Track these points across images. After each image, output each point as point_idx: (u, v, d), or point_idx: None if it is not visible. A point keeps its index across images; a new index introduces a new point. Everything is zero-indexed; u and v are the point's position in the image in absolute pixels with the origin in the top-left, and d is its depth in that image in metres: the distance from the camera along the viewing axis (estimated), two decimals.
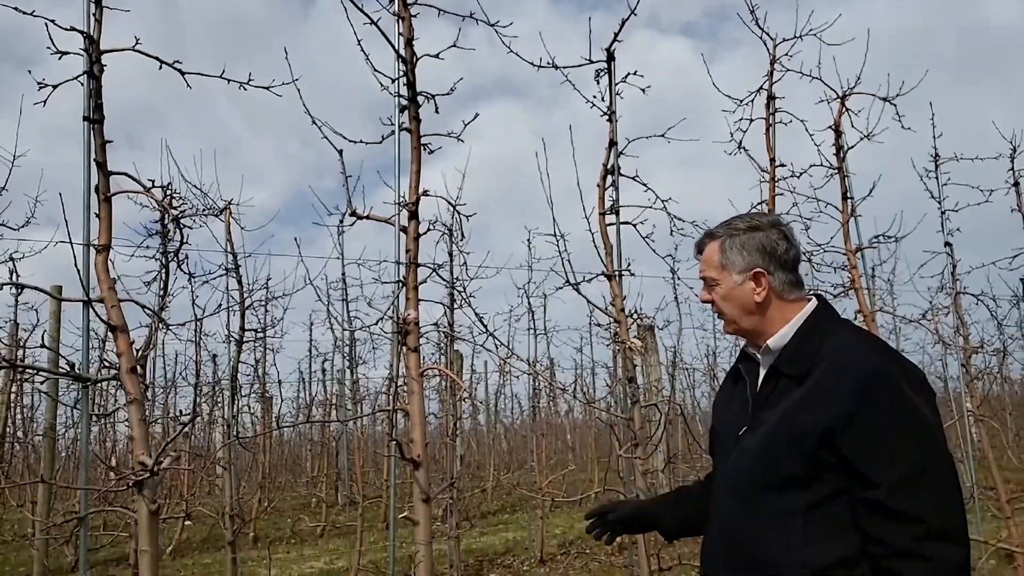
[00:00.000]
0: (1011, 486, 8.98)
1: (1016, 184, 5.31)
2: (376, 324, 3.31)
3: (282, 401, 13.89)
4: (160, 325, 3.94)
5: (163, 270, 4.61)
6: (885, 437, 1.55)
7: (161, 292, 4.46)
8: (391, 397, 2.95)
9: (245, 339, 6.71)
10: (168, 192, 2.56)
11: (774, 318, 1.80)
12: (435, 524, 9.56)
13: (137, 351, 2.66)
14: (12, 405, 12.73)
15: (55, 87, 2.79)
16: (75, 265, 2.45)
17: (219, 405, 11.52)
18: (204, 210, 4.77)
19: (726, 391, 1.99)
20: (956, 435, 9.95)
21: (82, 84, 2.69)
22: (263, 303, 8.52)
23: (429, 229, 3.11)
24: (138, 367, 2.61)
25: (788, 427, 1.64)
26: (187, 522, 10.93)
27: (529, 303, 9.34)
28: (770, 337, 1.78)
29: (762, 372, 1.81)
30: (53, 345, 8.93)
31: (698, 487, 2.09)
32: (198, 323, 11.55)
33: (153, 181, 2.66)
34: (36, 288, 2.47)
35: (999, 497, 5.14)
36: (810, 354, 1.69)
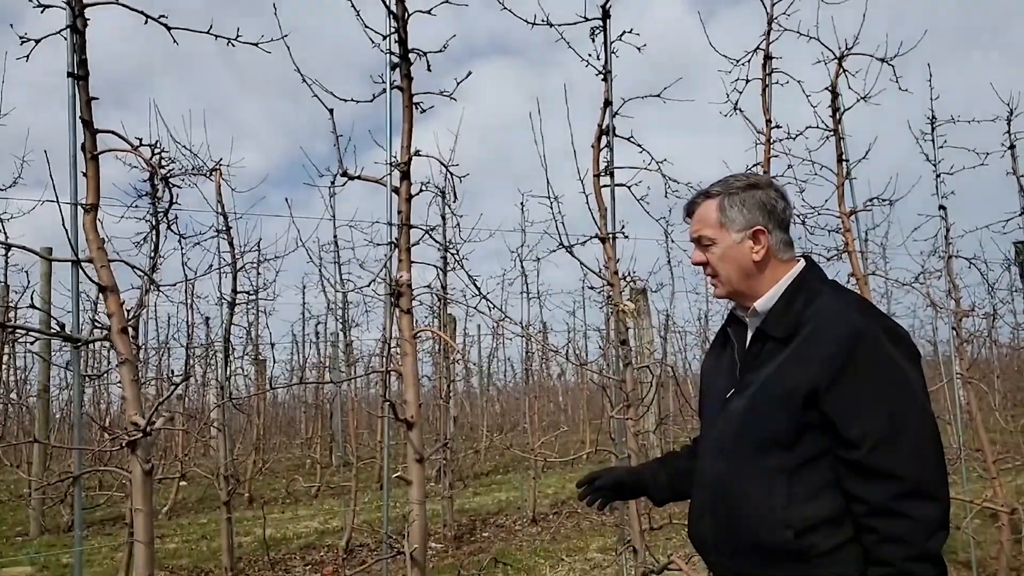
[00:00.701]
0: (997, 447, 9.10)
1: (1012, 147, 5.28)
2: (368, 286, 3.29)
3: (275, 363, 13.90)
4: (151, 286, 3.92)
5: (153, 231, 4.58)
6: (866, 398, 1.57)
7: (152, 253, 4.43)
8: (384, 359, 2.94)
9: (237, 301, 6.69)
10: (156, 150, 2.52)
11: (766, 279, 1.79)
12: (429, 484, 9.66)
13: (128, 312, 2.64)
14: (4, 368, 12.73)
15: (38, 42, 2.72)
16: (63, 225, 2.41)
17: (212, 368, 11.55)
18: (193, 170, 4.70)
19: (714, 354, 1.99)
20: (945, 398, 10.06)
21: (65, 39, 2.64)
22: (255, 265, 8.50)
23: (421, 190, 3.07)
24: (129, 328, 2.60)
25: (774, 388, 1.65)
26: (182, 483, 11.01)
27: (522, 266, 9.34)
28: (759, 299, 1.78)
29: (749, 335, 1.82)
30: (44, 307, 8.91)
31: (686, 451, 2.09)
32: (190, 285, 11.54)
33: (141, 139, 2.61)
34: (24, 248, 2.44)
35: (985, 458, 5.21)
36: (795, 316, 1.69)
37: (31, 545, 8.33)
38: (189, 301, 11.27)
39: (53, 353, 9.46)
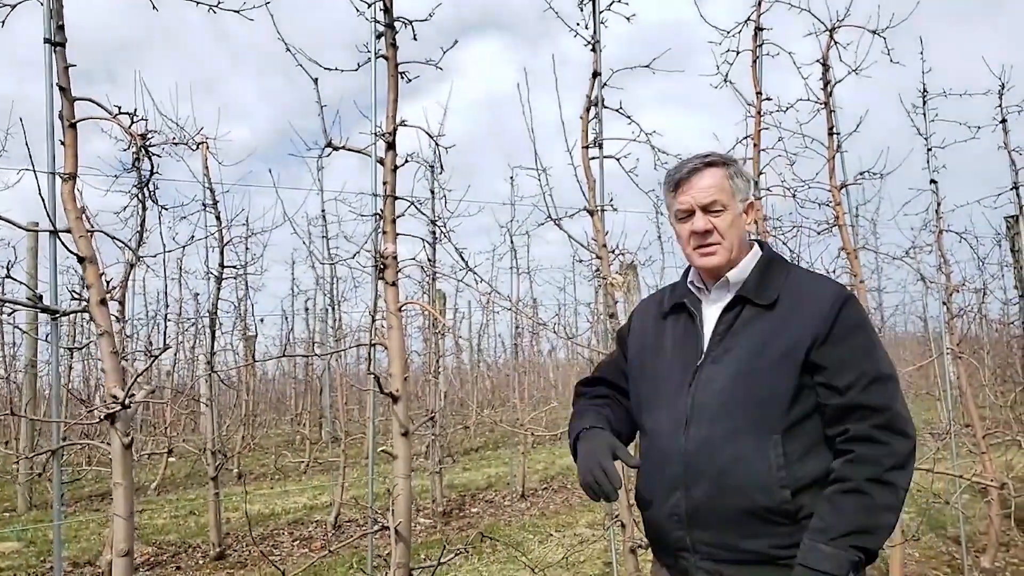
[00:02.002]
0: (987, 422, 9.17)
1: (1004, 120, 5.26)
2: (353, 258, 3.25)
3: (257, 337, 13.82)
4: (134, 258, 3.87)
5: (140, 205, 4.51)
6: (858, 349, 1.71)
7: (139, 227, 4.37)
8: (371, 332, 2.91)
9: (224, 276, 6.65)
10: (135, 119, 2.46)
11: (744, 250, 1.88)
12: (419, 460, 9.68)
13: (108, 282, 2.59)
14: None
15: (13, 7, 2.66)
16: (39, 194, 2.36)
17: (201, 343, 11.50)
18: (175, 140, 4.62)
19: (650, 329, 1.97)
20: (934, 373, 10.11)
21: (42, 4, 2.57)
22: (243, 239, 8.43)
23: (407, 161, 3.02)
24: (113, 300, 2.56)
25: (772, 349, 1.72)
26: (171, 459, 11.00)
27: (512, 241, 9.28)
28: (730, 271, 1.84)
29: (718, 304, 1.85)
30: (31, 282, 8.82)
31: (598, 400, 2.01)
32: (179, 260, 11.46)
33: (120, 107, 2.55)
34: (1, 218, 2.38)
35: (975, 433, 5.23)
36: (776, 285, 1.79)
37: (19, 521, 8.31)
38: (175, 275, 11.20)
39: (40, 327, 9.38)
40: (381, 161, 2.95)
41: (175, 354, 12.10)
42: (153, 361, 3.19)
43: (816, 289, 1.77)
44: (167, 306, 9.77)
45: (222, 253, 6.51)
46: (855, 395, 1.66)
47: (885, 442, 1.63)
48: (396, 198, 2.95)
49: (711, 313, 1.86)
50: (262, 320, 12.62)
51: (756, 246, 1.90)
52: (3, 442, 12.67)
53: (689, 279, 1.93)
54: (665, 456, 1.78)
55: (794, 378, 1.68)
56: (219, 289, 6.55)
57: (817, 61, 4.31)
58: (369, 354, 2.65)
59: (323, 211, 7.33)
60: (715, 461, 1.70)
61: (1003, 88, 5.20)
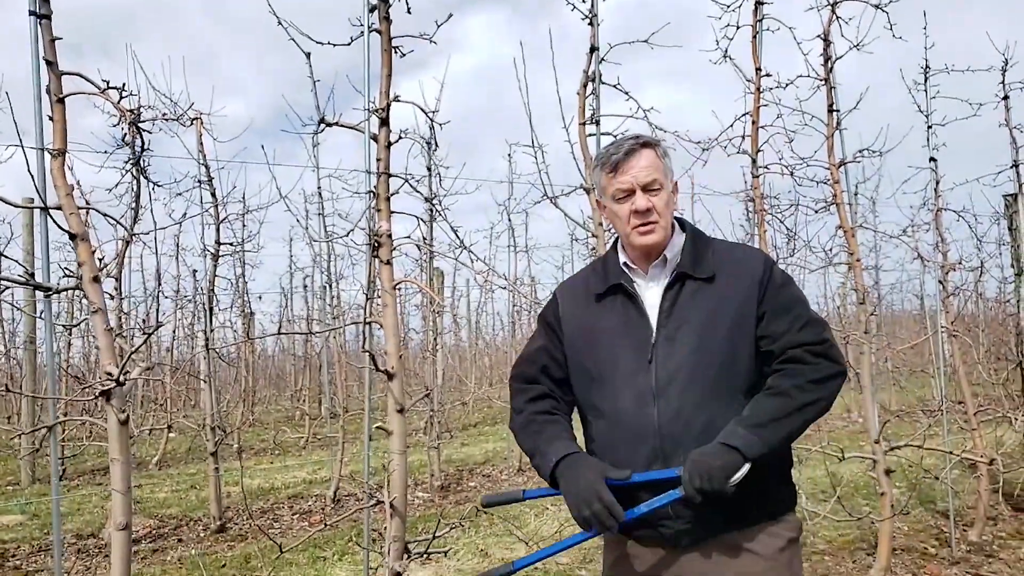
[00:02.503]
0: (979, 399, 9.21)
1: (1006, 98, 5.22)
2: (347, 235, 3.23)
3: (254, 315, 13.83)
4: (127, 235, 3.85)
5: (135, 181, 4.49)
6: (795, 297, 1.87)
7: (134, 204, 4.35)
8: (365, 310, 2.90)
9: (221, 253, 6.64)
10: (123, 93, 2.43)
11: (672, 228, 1.94)
12: (417, 436, 9.73)
13: (101, 260, 2.58)
14: None
15: None
16: (28, 171, 2.34)
17: (200, 319, 11.51)
18: (167, 116, 4.58)
19: (584, 312, 1.97)
20: (930, 351, 10.12)
21: None
22: (239, 216, 8.40)
23: (400, 137, 2.99)
24: (110, 278, 2.55)
25: (723, 317, 1.81)
26: (171, 434, 11.06)
27: (509, 219, 9.26)
28: (665, 249, 1.90)
29: (657, 282, 1.90)
30: (28, 259, 8.80)
31: (560, 411, 1.98)
32: (176, 238, 11.43)
33: (108, 82, 2.52)
34: None
35: (967, 410, 5.26)
36: (708, 259, 1.88)
37: (22, 494, 8.38)
38: (173, 252, 11.17)
39: (37, 304, 9.38)
40: (374, 138, 2.91)
41: (174, 331, 12.11)
42: (146, 339, 3.19)
43: (745, 257, 1.90)
44: (158, 284, 9.76)
45: (218, 230, 6.49)
46: (791, 336, 1.80)
47: (814, 363, 1.79)
48: (390, 175, 2.93)
49: (652, 291, 1.90)
50: (260, 297, 12.62)
51: (677, 223, 1.97)
52: (6, 417, 12.76)
53: (622, 261, 1.94)
54: (636, 433, 1.80)
55: (750, 343, 1.81)
56: (215, 266, 6.54)
57: (818, 36, 4.26)
58: (363, 332, 2.65)
59: (319, 188, 7.28)
60: (691, 429, 1.76)
61: (1006, 64, 5.16)
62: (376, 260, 2.95)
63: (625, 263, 1.94)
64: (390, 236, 2.93)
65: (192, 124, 6.32)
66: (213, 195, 6.45)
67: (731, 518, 1.78)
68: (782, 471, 1.90)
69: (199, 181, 6.41)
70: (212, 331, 6.56)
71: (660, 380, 1.79)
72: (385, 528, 2.69)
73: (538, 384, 2.00)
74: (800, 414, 1.76)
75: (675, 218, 1.96)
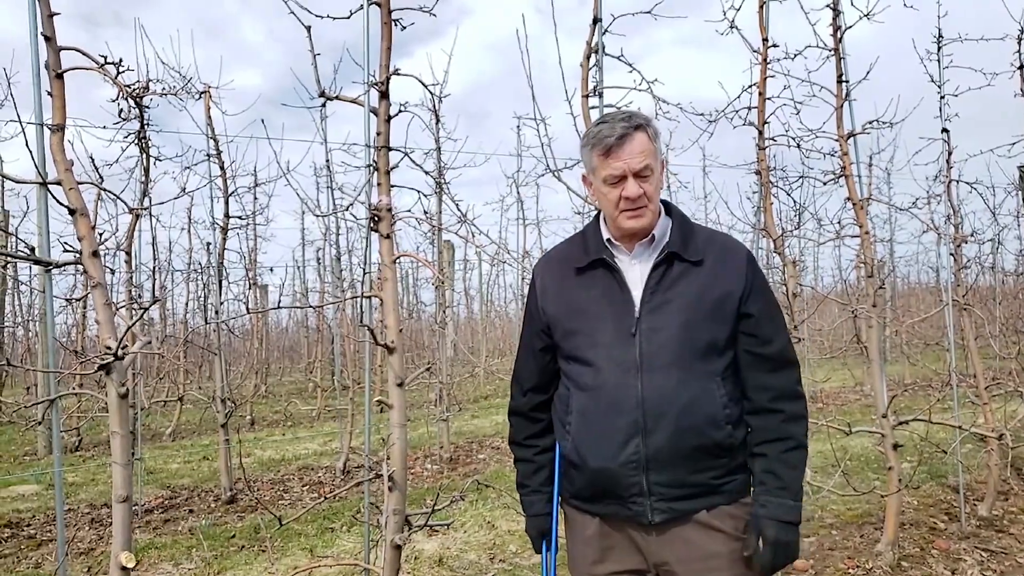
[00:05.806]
0: (991, 372, 9.14)
1: (1021, 67, 5.10)
2: (347, 210, 3.23)
3: (267, 287, 13.93)
4: (137, 208, 3.87)
5: (144, 155, 4.50)
6: (771, 302, 1.92)
7: (143, 178, 4.36)
8: (363, 284, 2.91)
9: (231, 226, 6.66)
10: (120, 68, 2.42)
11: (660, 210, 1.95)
12: (428, 408, 9.79)
13: (101, 235, 2.60)
14: (9, 294, 12.79)
15: None
16: (26, 146, 2.34)
17: (211, 292, 11.59)
18: (173, 90, 4.57)
19: (565, 285, 1.97)
20: (943, 322, 10.02)
21: None
22: (249, 189, 8.42)
23: (401, 110, 2.97)
24: (121, 251, 2.57)
25: (708, 299, 1.84)
26: (184, 406, 11.19)
27: (518, 192, 9.22)
28: (654, 229, 1.91)
29: (643, 260, 1.91)
30: (41, 234, 8.88)
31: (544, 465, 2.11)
32: (188, 211, 11.48)
33: (105, 57, 2.52)
34: None
35: (978, 384, 5.22)
36: (697, 242, 1.90)
37: (38, 464, 8.53)
38: (185, 225, 11.23)
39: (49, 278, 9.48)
40: (374, 111, 2.90)
41: (186, 303, 12.21)
42: (143, 314, 3.20)
43: (731, 248, 1.93)
44: (155, 258, 9.84)
45: (227, 203, 6.50)
46: (780, 349, 1.88)
47: (800, 396, 1.89)
48: (390, 149, 2.91)
49: (635, 268, 1.91)
50: (271, 269, 12.67)
51: (662, 206, 1.97)
52: (24, 388, 12.96)
53: (605, 237, 1.94)
54: (618, 406, 1.81)
55: (730, 327, 1.86)
56: (224, 239, 6.56)
57: (827, 6, 4.18)
58: (361, 306, 2.65)
59: (328, 161, 7.27)
60: (674, 405, 1.78)
61: (1022, 32, 5.03)
62: (376, 234, 2.95)
63: (609, 239, 1.94)
64: (390, 210, 2.92)
65: (200, 97, 6.31)
66: (222, 168, 6.45)
67: (700, 498, 1.84)
68: (744, 459, 1.93)
69: (208, 154, 6.41)
70: (222, 303, 6.59)
71: (645, 354, 1.80)
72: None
73: (525, 417, 2.11)
74: (806, 453, 1.90)
75: (660, 200, 1.96)
